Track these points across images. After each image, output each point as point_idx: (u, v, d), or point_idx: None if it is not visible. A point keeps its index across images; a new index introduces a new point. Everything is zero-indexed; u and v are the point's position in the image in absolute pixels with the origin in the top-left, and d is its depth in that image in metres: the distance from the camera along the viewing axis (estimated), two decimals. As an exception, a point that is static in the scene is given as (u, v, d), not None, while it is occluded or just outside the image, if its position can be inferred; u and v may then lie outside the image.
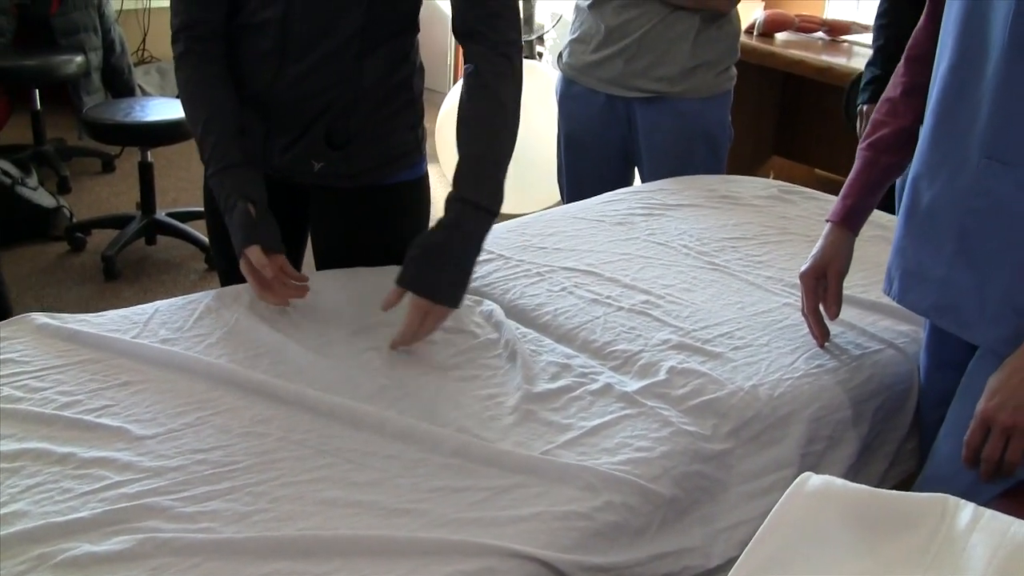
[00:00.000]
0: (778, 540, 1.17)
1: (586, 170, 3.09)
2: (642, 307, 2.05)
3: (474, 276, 2.15)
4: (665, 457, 1.63)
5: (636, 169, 3.09)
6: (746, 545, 1.60)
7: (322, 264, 2.29)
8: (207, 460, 1.55)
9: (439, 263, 1.88)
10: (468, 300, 2.05)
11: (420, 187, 2.30)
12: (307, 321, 1.95)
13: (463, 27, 2.00)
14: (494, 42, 1.97)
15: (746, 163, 4.67)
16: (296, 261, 2.35)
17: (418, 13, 2.11)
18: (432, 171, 5.49)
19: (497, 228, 2.43)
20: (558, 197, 3.85)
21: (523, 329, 1.98)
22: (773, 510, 1.20)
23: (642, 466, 1.59)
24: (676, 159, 2.95)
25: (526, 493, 1.52)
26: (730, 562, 1.60)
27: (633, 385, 1.80)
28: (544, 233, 2.40)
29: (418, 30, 2.14)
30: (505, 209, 4.92)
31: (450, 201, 1.91)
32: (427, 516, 1.46)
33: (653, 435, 1.67)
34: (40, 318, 1.89)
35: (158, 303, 2.00)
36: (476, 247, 1.93)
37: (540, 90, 4.67)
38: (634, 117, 2.95)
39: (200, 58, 2.03)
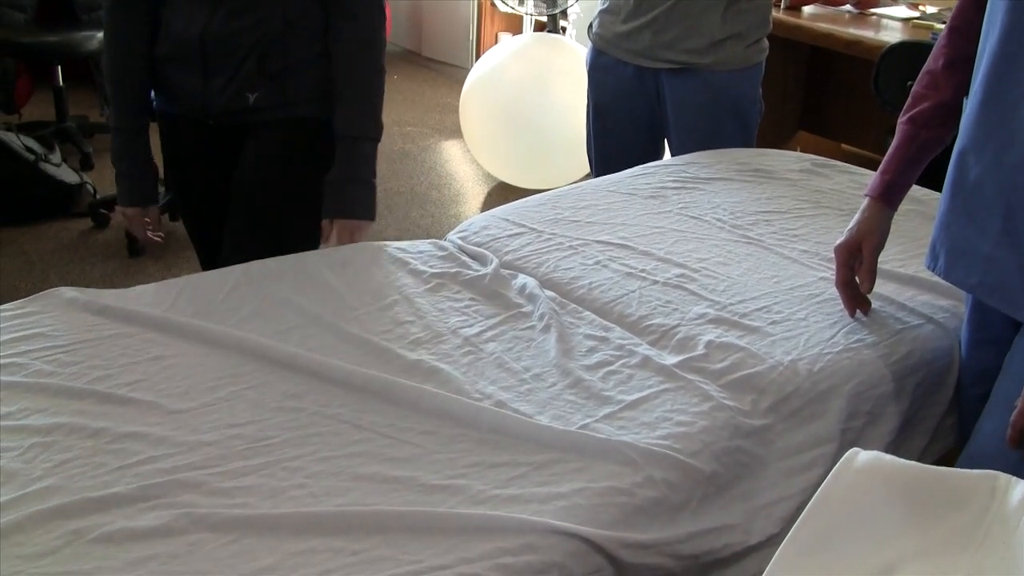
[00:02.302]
0: (826, 517, 1.15)
1: (615, 141, 3.05)
2: (677, 281, 2.02)
3: (508, 250, 2.15)
4: (705, 432, 1.60)
5: (665, 142, 3.06)
6: (787, 522, 1.60)
7: (242, 203, 2.35)
8: (241, 435, 1.54)
9: (351, 189, 2.24)
10: (504, 272, 2.03)
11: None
12: (338, 295, 1.94)
13: None
14: None
15: (772, 137, 4.61)
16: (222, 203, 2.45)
17: None
18: (455, 146, 5.44)
19: (528, 201, 2.42)
20: (585, 171, 3.84)
21: (560, 300, 1.96)
22: (821, 486, 1.18)
23: (682, 441, 1.57)
24: (705, 132, 2.91)
25: (565, 468, 1.50)
26: (770, 539, 1.58)
27: (671, 359, 1.77)
28: (576, 206, 2.37)
29: None
30: (533, 183, 4.91)
31: (342, 139, 2.24)
32: (465, 492, 1.44)
33: (693, 409, 1.64)
34: (70, 292, 1.88)
35: (188, 277, 1.99)
36: (373, 167, 2.28)
37: (565, 64, 4.64)
38: (662, 88, 2.91)
39: (127, 10, 2.25)
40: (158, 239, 2.42)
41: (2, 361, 1.67)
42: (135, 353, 1.74)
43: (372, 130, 2.26)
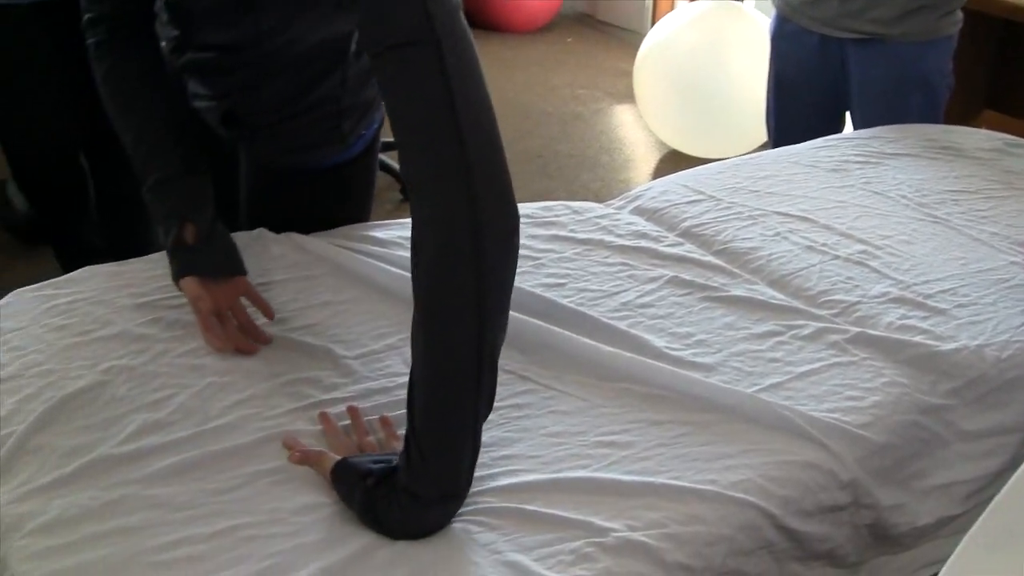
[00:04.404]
0: (1017, 511, 1.09)
1: (795, 112, 2.97)
2: (859, 257, 1.96)
3: (686, 216, 2.11)
4: (878, 406, 1.56)
5: (847, 116, 2.97)
6: (960, 505, 1.57)
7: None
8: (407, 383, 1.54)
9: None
10: (672, 238, 1.99)
11: (353, 168, 2.01)
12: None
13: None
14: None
15: (957, 115, 4.44)
16: (232, 220, 1.96)
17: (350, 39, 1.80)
18: (628, 111, 5.38)
19: (707, 169, 2.38)
20: (759, 143, 3.77)
21: (732, 270, 1.92)
22: (1012, 478, 1.12)
23: (851, 414, 1.53)
24: (889, 105, 2.81)
25: (730, 430, 1.49)
26: (939, 521, 1.56)
27: (846, 335, 1.72)
28: (755, 176, 2.31)
29: (350, 55, 1.82)
30: (705, 152, 4.85)
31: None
32: (631, 448, 1.44)
33: (864, 385, 1.60)
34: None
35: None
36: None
37: (743, 32, 4.56)
38: (847, 59, 2.82)
39: (125, 47, 1.70)
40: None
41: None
42: (307, 298, 1.76)
43: (432, 483, 1.28)
